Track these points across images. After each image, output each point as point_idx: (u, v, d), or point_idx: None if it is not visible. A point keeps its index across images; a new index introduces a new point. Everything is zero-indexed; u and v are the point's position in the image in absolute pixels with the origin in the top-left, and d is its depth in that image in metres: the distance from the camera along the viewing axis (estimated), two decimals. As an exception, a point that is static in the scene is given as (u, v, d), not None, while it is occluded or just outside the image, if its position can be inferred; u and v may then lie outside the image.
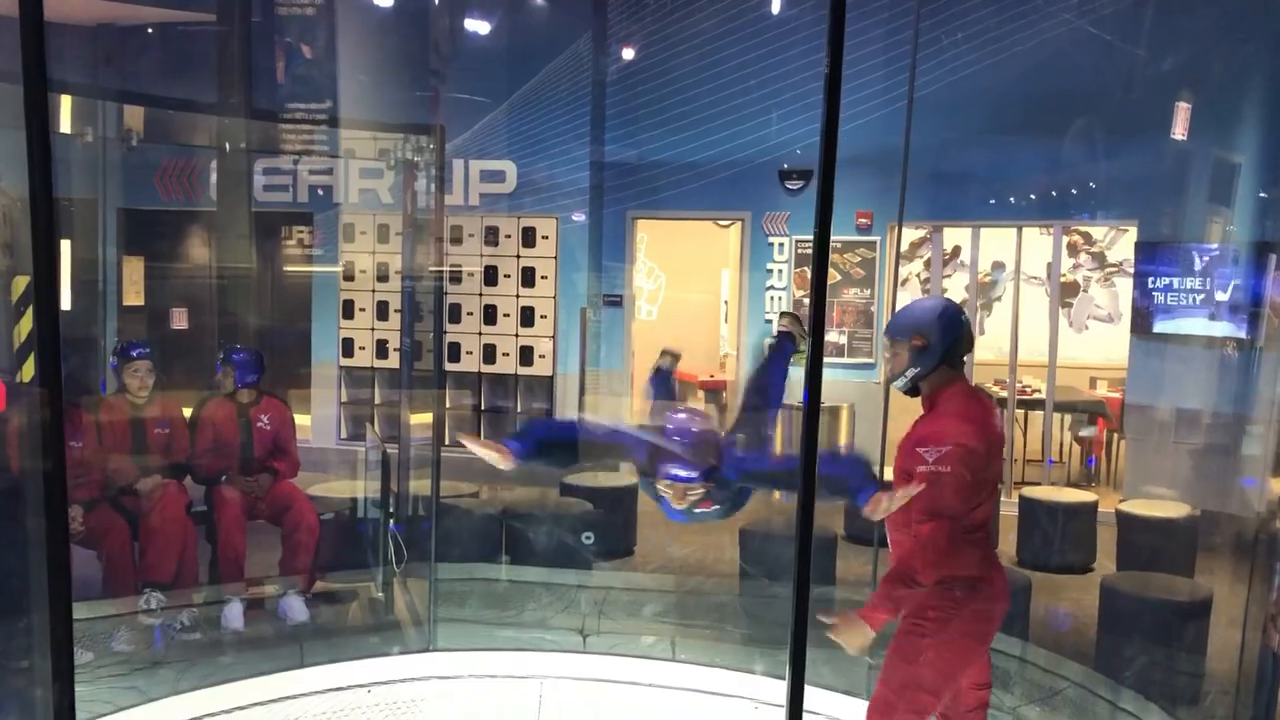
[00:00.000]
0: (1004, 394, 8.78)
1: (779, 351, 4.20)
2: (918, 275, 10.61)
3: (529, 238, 8.89)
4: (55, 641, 1.63)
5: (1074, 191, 8.27)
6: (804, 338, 3.99)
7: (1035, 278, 9.95)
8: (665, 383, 4.33)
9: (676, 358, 4.48)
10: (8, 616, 4.31)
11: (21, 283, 3.67)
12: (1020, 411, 8.83)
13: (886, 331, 3.32)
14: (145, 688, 4.32)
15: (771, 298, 8.74)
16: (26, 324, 3.67)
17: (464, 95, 8.57)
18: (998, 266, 10.46)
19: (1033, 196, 8.27)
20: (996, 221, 8.54)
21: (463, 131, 8.68)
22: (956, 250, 9.96)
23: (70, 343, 4.40)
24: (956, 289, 10.45)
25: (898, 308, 6.84)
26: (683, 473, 3.15)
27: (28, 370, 3.71)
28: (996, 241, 9.35)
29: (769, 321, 8.61)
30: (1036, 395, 8.77)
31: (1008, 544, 6.95)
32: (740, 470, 3.27)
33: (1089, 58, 7.62)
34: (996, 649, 4.67)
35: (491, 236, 8.95)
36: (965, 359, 3.27)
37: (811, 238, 7.16)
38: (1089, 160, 7.84)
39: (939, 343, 3.15)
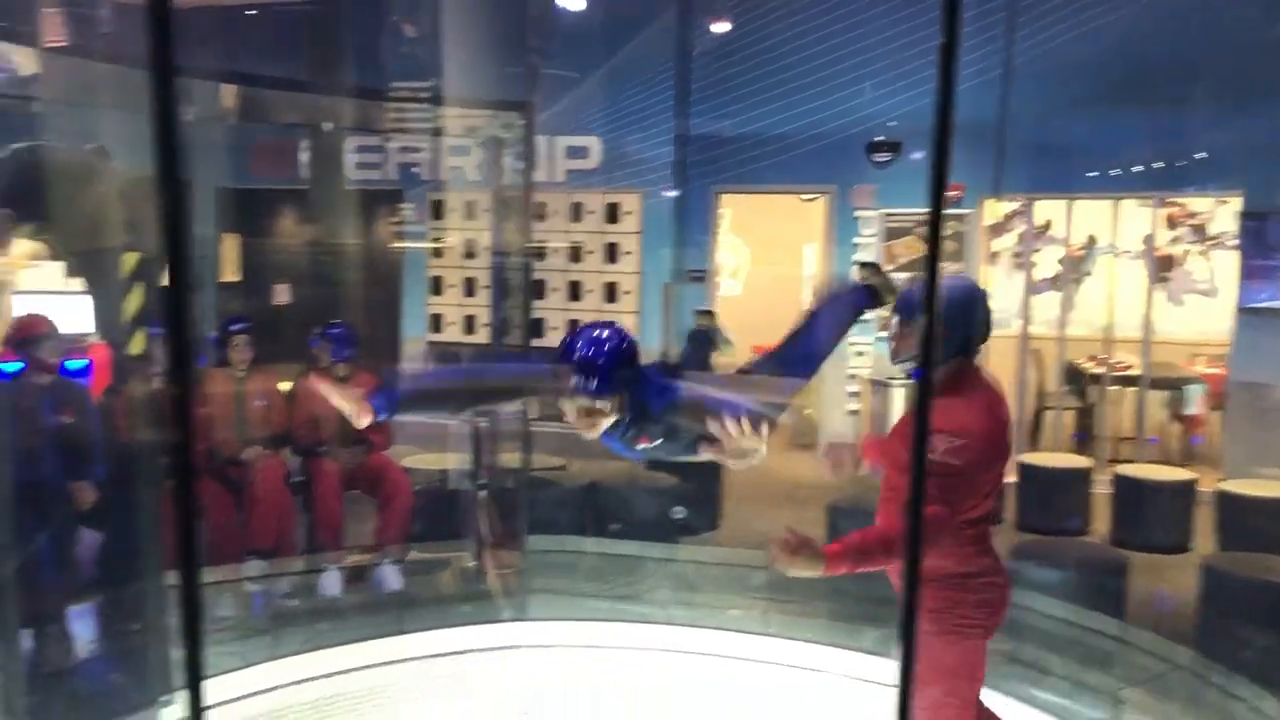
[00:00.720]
0: (1098, 370, 8.58)
1: (843, 304, 3.56)
2: (1009, 249, 10.38)
3: (613, 213, 8.91)
4: (186, 608, 1.69)
5: (1176, 163, 8.00)
6: (891, 293, 3.48)
7: (1131, 251, 9.67)
8: (702, 345, 4.11)
9: (712, 316, 4.27)
10: (120, 582, 4.49)
11: (131, 259, 3.79)
12: (1114, 388, 8.62)
13: (900, 308, 3.03)
14: (246, 653, 4.46)
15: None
16: (136, 299, 3.79)
17: (553, 71, 8.60)
18: (1092, 241, 10.20)
19: (1132, 169, 8.03)
20: (1092, 194, 8.31)
21: (548, 107, 8.72)
22: (1048, 224, 9.72)
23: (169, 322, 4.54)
24: (1048, 263, 10.22)
25: (987, 284, 6.67)
26: (579, 386, 2.72)
27: (138, 343, 3.84)
28: (1090, 215, 9.11)
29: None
30: (1131, 371, 8.55)
31: (1102, 522, 6.82)
32: (664, 398, 2.84)
33: (1193, 22, 7.35)
34: (1092, 628, 4.62)
35: (576, 212, 8.99)
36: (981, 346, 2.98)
37: (901, 211, 7.10)
38: (1192, 129, 7.58)
39: (962, 328, 2.89)
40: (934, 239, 1.76)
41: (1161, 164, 7.96)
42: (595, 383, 2.72)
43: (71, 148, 3.76)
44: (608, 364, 2.74)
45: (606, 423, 2.80)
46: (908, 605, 1.74)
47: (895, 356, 3.04)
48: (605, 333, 2.80)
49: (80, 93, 3.93)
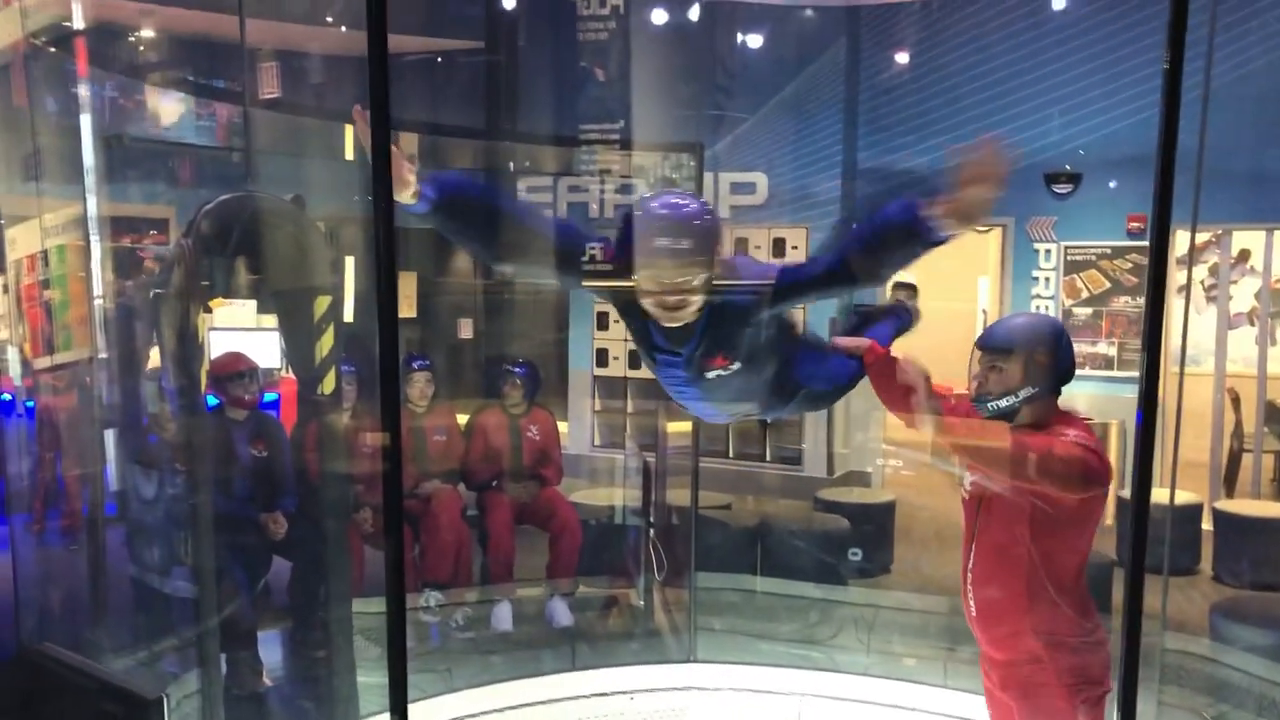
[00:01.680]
0: (1303, 411, 8.02)
1: (878, 322, 3.44)
2: (1201, 281, 9.84)
3: (779, 248, 8.85)
4: (391, 637, 1.73)
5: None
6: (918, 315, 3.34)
7: (1338, 283, 9.02)
8: (896, 321, 3.61)
9: (914, 291, 3.83)
10: (308, 610, 4.67)
11: (324, 302, 3.97)
12: (1323, 430, 8.03)
13: (990, 343, 2.84)
14: (422, 684, 4.56)
15: (1037, 307, 8.32)
16: (328, 340, 3.96)
17: (722, 111, 8.64)
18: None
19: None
20: (1292, 223, 7.80)
21: (715, 143, 8.75)
22: (1245, 254, 9.18)
23: (352, 352, 4.74)
24: (1244, 296, 9.64)
25: (1175, 318, 6.34)
26: (665, 248, 2.22)
27: (329, 383, 4.00)
28: (1292, 244, 8.55)
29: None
30: (1342, 412, 7.95)
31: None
32: (760, 287, 2.40)
33: None
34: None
35: (741, 248, 8.96)
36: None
37: (1083, 244, 6.78)
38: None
39: (1062, 362, 2.79)
40: (1158, 269, 1.67)
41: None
42: (692, 242, 2.24)
43: (272, 195, 3.98)
44: (706, 224, 2.28)
45: (695, 307, 2.31)
46: (1128, 666, 1.64)
47: (986, 394, 2.82)
48: (681, 196, 2.39)
49: (284, 142, 4.17)
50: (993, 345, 2.85)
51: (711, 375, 2.50)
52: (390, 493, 1.69)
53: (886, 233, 2.41)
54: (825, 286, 2.62)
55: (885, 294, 3.63)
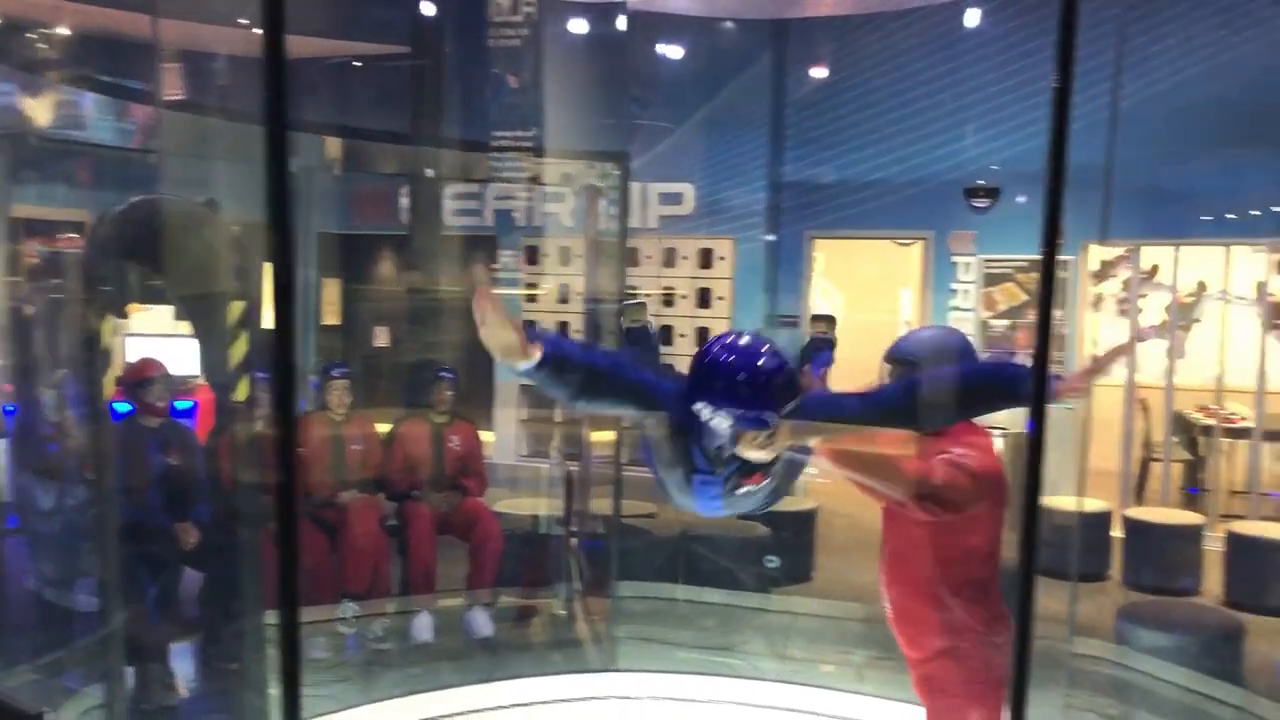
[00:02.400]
0: (1208, 421, 8.26)
1: (816, 362, 3.52)
2: (1113, 295, 10.10)
3: (706, 259, 8.92)
4: (285, 648, 1.70)
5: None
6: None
7: (1243, 298, 9.33)
8: (642, 341, 3.75)
9: (641, 307, 3.96)
10: (220, 621, 4.58)
11: (238, 307, 3.90)
12: (1225, 440, 8.27)
13: (896, 355, 2.95)
14: (340, 695, 4.49)
15: (956, 319, 8.48)
16: (242, 345, 3.89)
17: (647, 121, 8.67)
18: (1201, 288, 9.88)
19: (1247, 213, 7.75)
20: (1202, 240, 8.04)
21: (642, 154, 8.79)
22: (1155, 269, 9.44)
23: (268, 359, 4.66)
24: (1155, 310, 9.92)
25: (1087, 331, 6.48)
26: (754, 414, 2.31)
27: (243, 390, 3.93)
28: (1199, 260, 8.82)
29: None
30: (1244, 424, 8.20)
31: (1212, 581, 6.53)
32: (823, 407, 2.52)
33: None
34: (1208, 694, 4.40)
35: (669, 258, 9.02)
36: None
37: (1000, 257, 6.94)
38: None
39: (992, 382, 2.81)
40: (1047, 282, 1.71)
41: (1270, 209, 7.68)
42: (768, 401, 2.34)
43: (184, 198, 3.90)
44: (779, 378, 2.37)
45: (782, 446, 2.39)
46: (1019, 670, 1.68)
47: None
48: (752, 341, 2.46)
49: (195, 145, 4.08)
50: (898, 357, 2.94)
51: (742, 491, 2.59)
52: (284, 504, 1.66)
53: (982, 383, 2.54)
54: (886, 420, 2.64)
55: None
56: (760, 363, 2.41)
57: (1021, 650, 1.62)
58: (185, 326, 7.65)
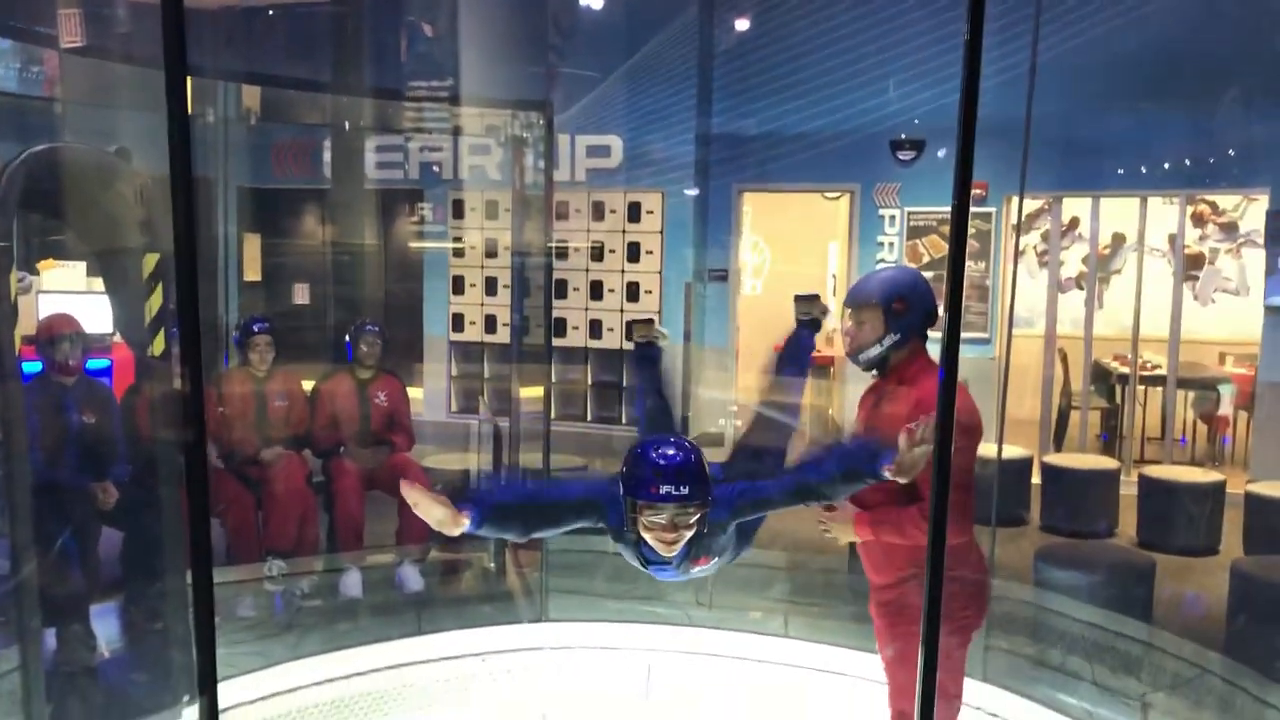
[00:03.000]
0: (1125, 370, 8.49)
1: (797, 347, 3.57)
2: (1034, 247, 10.30)
3: (634, 213, 8.89)
4: (199, 608, 1.68)
5: (1206, 160, 7.89)
6: (824, 314, 3.58)
7: (1158, 249, 9.57)
8: (648, 360, 3.94)
9: (650, 323, 3.92)
10: (142, 581, 4.50)
11: (152, 260, 3.79)
12: (1141, 388, 8.52)
13: (853, 299, 3.06)
14: (268, 652, 4.46)
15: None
16: (157, 300, 3.80)
17: (573, 70, 8.58)
18: (1119, 240, 10.10)
19: (1162, 166, 7.93)
20: (1120, 191, 8.21)
21: (569, 106, 8.70)
22: (1075, 222, 9.64)
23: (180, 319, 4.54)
24: (1074, 262, 10.13)
25: (1013, 283, 6.59)
26: (670, 495, 2.52)
27: (158, 344, 3.84)
28: (1117, 213, 9.01)
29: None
30: (1158, 371, 8.45)
31: (1127, 524, 6.74)
32: (732, 505, 2.67)
33: (1222, 18, 7.26)
34: (1120, 632, 4.55)
35: (597, 212, 8.97)
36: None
37: (925, 210, 7.02)
38: (1222, 126, 7.48)
39: (919, 308, 2.98)
40: (959, 232, 1.73)
41: (1190, 161, 7.86)
42: (689, 488, 2.52)
43: (92, 148, 3.76)
44: (699, 466, 2.55)
45: (688, 536, 2.58)
46: (931, 607, 1.71)
47: (853, 351, 3.05)
48: (677, 440, 2.67)
49: (101, 94, 3.94)
50: (855, 301, 3.04)
51: (695, 570, 2.78)
52: (193, 463, 1.63)
53: (847, 471, 2.63)
54: (783, 505, 2.79)
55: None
56: (681, 452, 2.58)
57: (933, 593, 1.66)
58: (99, 283, 7.46)
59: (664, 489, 2.51)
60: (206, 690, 1.73)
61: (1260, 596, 4.60)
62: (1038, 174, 7.50)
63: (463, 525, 2.52)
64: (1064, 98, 7.27)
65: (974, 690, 4.08)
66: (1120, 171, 8.03)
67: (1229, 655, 4.33)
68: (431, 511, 2.48)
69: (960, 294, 1.59)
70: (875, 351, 3.00)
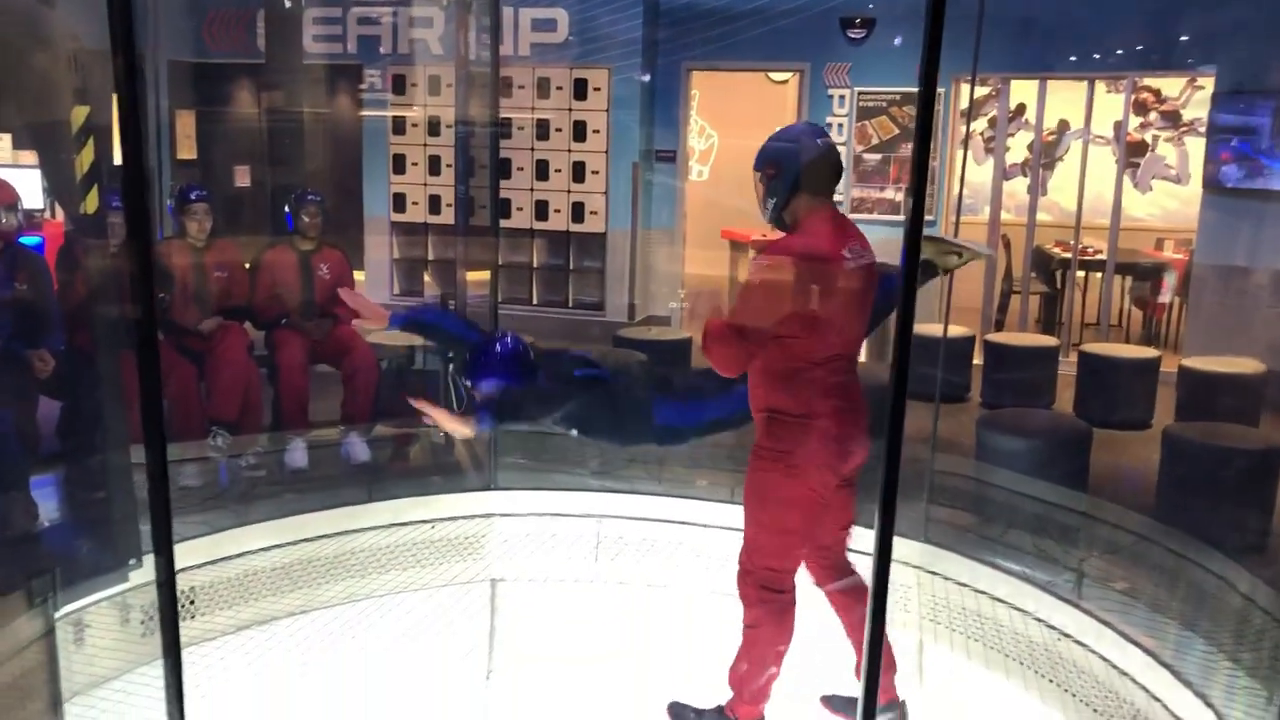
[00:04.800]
0: (1066, 255, 8.60)
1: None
2: (981, 134, 10.30)
3: (581, 90, 8.70)
4: (152, 477, 1.65)
5: (1155, 43, 7.88)
6: (955, 254, 3.53)
7: (1101, 137, 9.63)
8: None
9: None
10: (83, 451, 4.42)
11: (81, 113, 3.63)
12: (1081, 274, 8.64)
13: (755, 163, 3.21)
14: (213, 521, 4.42)
15: (829, 153, 8.52)
16: (88, 156, 3.65)
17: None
18: (1063, 126, 10.14)
19: (1111, 48, 7.91)
20: (1068, 74, 8.20)
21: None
22: (1021, 108, 9.64)
23: (126, 194, 4.38)
24: (1019, 148, 10.17)
25: (963, 168, 6.57)
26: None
27: (91, 201, 3.70)
28: (1062, 100, 9.02)
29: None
30: (1098, 257, 8.57)
31: (1064, 401, 6.90)
32: None
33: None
34: (1057, 503, 4.68)
35: (543, 88, 8.77)
36: (832, 190, 3.15)
37: (875, 90, 6.90)
38: (1169, 7, 7.46)
39: (790, 170, 3.06)
40: (924, 117, 1.70)
41: (1138, 44, 7.85)
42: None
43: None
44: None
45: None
46: (888, 476, 1.74)
47: (763, 211, 3.20)
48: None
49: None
50: (755, 164, 3.18)
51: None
52: (145, 333, 1.58)
53: None
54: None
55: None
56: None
57: (890, 466, 1.67)
58: (28, 156, 7.18)
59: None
60: (163, 551, 1.71)
61: (1190, 460, 4.75)
62: (985, 56, 7.47)
63: (474, 428, 3.13)
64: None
65: (916, 550, 4.21)
66: (1068, 56, 8.01)
67: (1159, 519, 4.49)
68: (445, 422, 3.12)
69: (925, 178, 1.58)
70: (767, 214, 3.16)
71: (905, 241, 1.71)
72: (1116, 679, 3.45)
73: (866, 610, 3.20)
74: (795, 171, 3.05)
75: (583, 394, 3.47)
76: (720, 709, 3.37)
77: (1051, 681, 3.68)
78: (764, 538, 3.19)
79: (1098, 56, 7.94)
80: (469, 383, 3.53)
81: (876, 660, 1.78)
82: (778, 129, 3.23)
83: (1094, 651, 3.59)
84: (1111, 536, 4.47)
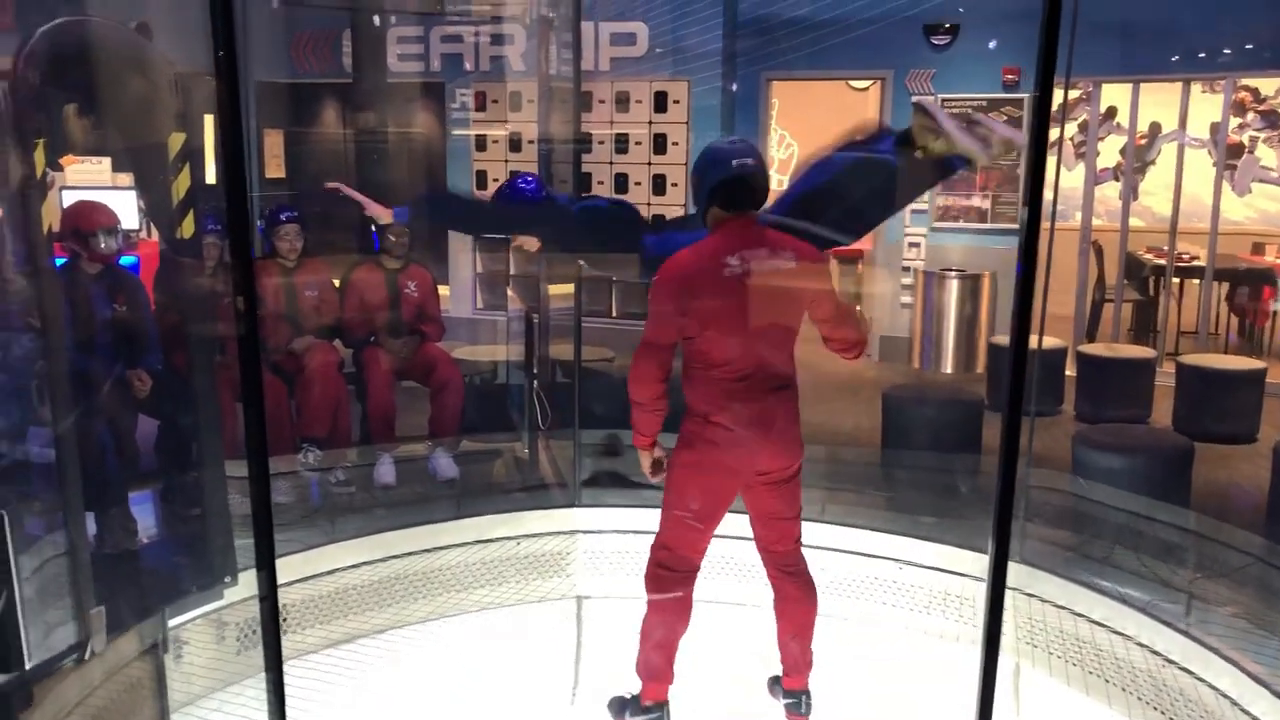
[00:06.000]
0: (1159, 262, 8.34)
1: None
2: (1071, 138, 10.06)
3: (661, 103, 8.70)
4: (255, 495, 1.68)
5: (1247, 44, 7.61)
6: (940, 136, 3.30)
7: (1197, 139, 9.33)
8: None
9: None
10: (180, 468, 4.52)
11: (178, 139, 3.71)
12: (1177, 280, 8.38)
13: None
14: (305, 537, 4.49)
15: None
16: (185, 180, 3.72)
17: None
18: (1155, 129, 9.85)
19: (1206, 49, 7.66)
20: (1162, 76, 7.96)
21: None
22: (1112, 111, 9.39)
23: (218, 214, 4.48)
24: (1110, 152, 9.91)
25: (1056, 174, 6.41)
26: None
27: (188, 226, 3.78)
28: (1155, 102, 8.77)
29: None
30: (1196, 263, 8.30)
31: (1161, 413, 6.69)
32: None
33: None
34: (1160, 520, 4.52)
35: (622, 103, 8.78)
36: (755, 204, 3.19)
37: (960, 96, 6.78)
38: (1265, 8, 7.20)
39: (704, 184, 3.17)
40: (1041, 122, 1.64)
41: (1226, 45, 7.59)
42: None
43: (120, 24, 3.64)
44: None
45: None
46: (1001, 497, 1.68)
47: None
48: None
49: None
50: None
51: None
52: (247, 351, 1.60)
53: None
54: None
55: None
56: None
57: (1005, 485, 1.62)
58: (124, 180, 7.37)
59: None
60: (265, 565, 1.73)
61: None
62: (1077, 59, 7.29)
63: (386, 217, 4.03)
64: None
65: (1011, 570, 4.09)
66: (1163, 57, 7.77)
67: (1272, 539, 4.30)
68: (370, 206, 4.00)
69: (1041, 183, 1.53)
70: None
71: (1021, 252, 1.66)
72: (1227, 709, 3.31)
73: (805, 616, 3.44)
74: (708, 187, 3.16)
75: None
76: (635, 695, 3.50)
77: (1156, 709, 3.55)
78: (664, 515, 3.38)
79: (1203, 55, 7.69)
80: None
81: (991, 682, 1.71)
82: (712, 142, 3.29)
83: (1201, 679, 3.45)
84: (1219, 556, 4.30)
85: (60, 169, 6.87)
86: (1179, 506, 4.63)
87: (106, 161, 7.36)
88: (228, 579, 4.01)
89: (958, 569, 4.23)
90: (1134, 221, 8.71)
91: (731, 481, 3.33)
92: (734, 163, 3.14)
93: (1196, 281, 8.21)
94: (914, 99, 3.66)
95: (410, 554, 4.44)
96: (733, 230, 3.14)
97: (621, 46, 8.69)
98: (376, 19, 8.07)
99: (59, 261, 4.62)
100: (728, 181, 3.12)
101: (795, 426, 3.32)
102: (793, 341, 3.29)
